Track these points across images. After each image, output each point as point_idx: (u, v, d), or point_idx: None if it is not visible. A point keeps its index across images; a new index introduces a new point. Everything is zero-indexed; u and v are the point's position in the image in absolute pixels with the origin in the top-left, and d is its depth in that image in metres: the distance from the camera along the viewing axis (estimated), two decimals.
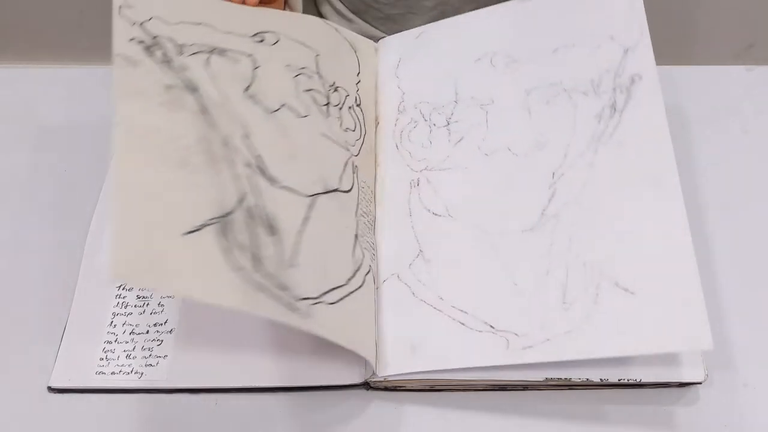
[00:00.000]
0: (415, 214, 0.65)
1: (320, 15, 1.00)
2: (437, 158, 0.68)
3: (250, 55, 0.63)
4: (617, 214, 0.60)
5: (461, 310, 0.60)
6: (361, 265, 0.60)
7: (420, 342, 0.59)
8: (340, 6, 0.96)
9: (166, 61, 0.59)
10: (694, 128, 0.76)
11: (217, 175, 0.56)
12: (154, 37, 0.60)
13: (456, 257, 0.62)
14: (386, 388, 0.60)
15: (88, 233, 0.70)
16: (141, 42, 0.59)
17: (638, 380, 0.58)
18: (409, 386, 0.60)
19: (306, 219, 0.58)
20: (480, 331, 0.58)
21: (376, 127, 0.72)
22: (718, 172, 0.73)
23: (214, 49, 0.62)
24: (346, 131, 0.67)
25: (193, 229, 0.52)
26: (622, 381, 0.58)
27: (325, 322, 0.54)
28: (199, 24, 0.63)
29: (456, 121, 0.69)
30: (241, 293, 0.52)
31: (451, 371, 0.58)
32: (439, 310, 0.60)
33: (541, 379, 0.58)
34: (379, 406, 0.60)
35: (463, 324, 0.59)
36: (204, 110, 0.58)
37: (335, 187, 0.62)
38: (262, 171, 0.57)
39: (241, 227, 0.54)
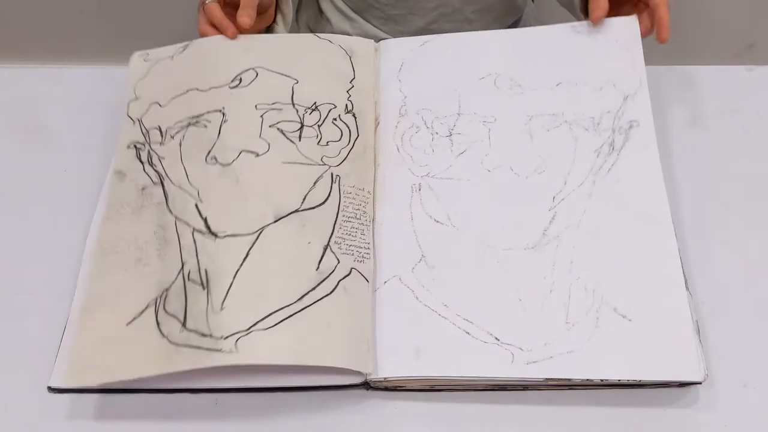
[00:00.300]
0: (416, 218, 0.66)
1: (321, 12, 1.00)
2: (439, 166, 0.69)
3: (221, 110, 0.71)
4: (614, 244, 0.63)
5: (466, 319, 0.60)
6: (332, 273, 0.62)
7: (425, 347, 0.59)
8: (341, 4, 0.96)
9: (149, 159, 0.70)
10: (694, 128, 0.76)
11: (164, 258, 0.64)
12: (147, 132, 0.71)
13: (460, 267, 0.63)
14: (386, 388, 0.60)
15: (89, 233, 0.70)
16: (135, 146, 0.71)
17: (638, 380, 0.58)
18: (409, 386, 0.60)
19: (246, 256, 0.62)
20: (485, 342, 0.59)
21: (376, 127, 0.72)
22: (719, 172, 0.73)
23: (192, 119, 0.71)
24: (326, 145, 0.69)
25: (134, 317, 0.61)
26: (622, 381, 0.58)
27: (258, 349, 0.57)
28: (187, 92, 0.73)
29: (459, 133, 0.70)
30: (162, 358, 0.58)
31: (450, 370, 0.59)
32: (444, 317, 0.61)
33: (541, 379, 0.58)
34: (379, 406, 0.60)
35: (468, 333, 0.60)
36: (165, 197, 0.67)
37: (294, 209, 0.65)
38: (208, 229, 0.64)
39: (175, 296, 0.61)
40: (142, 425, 0.60)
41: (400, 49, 0.78)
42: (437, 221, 0.66)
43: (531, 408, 0.59)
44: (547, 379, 0.58)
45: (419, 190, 0.67)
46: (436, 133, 0.71)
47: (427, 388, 0.60)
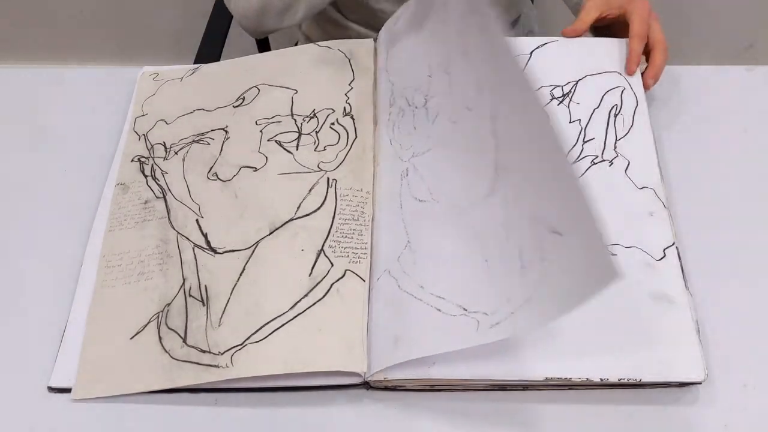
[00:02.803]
0: (405, 205, 0.66)
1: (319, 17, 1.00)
2: (421, 143, 0.68)
3: (224, 128, 0.73)
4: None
5: (438, 296, 0.60)
6: (324, 277, 0.62)
7: (402, 334, 0.59)
8: (335, 15, 0.97)
9: (152, 173, 0.71)
10: (694, 128, 0.76)
11: (166, 273, 0.65)
12: (151, 147, 0.73)
13: (436, 242, 0.63)
14: (386, 388, 0.60)
15: (90, 233, 0.70)
16: (139, 160, 0.73)
17: (638, 380, 0.58)
18: (409, 386, 0.60)
19: (242, 271, 0.64)
20: (454, 315, 0.59)
21: (375, 128, 0.72)
22: (719, 172, 0.73)
23: (196, 137, 0.73)
24: (324, 150, 0.70)
25: (138, 331, 0.62)
26: (622, 381, 0.58)
27: (252, 362, 0.59)
28: (193, 111, 0.76)
29: (432, 97, 0.69)
30: (164, 373, 0.60)
31: (451, 370, 0.58)
32: (419, 299, 0.60)
33: (541, 379, 0.58)
34: (379, 406, 0.60)
35: (439, 310, 0.59)
36: (167, 211, 0.69)
37: (289, 219, 0.66)
38: (208, 245, 0.66)
39: (177, 311, 0.63)
40: (143, 424, 0.60)
41: (383, 38, 0.78)
42: (420, 200, 0.66)
43: (531, 408, 0.59)
44: (547, 378, 0.58)
45: (407, 175, 0.67)
46: (416, 107, 0.70)
47: (427, 388, 0.60)
